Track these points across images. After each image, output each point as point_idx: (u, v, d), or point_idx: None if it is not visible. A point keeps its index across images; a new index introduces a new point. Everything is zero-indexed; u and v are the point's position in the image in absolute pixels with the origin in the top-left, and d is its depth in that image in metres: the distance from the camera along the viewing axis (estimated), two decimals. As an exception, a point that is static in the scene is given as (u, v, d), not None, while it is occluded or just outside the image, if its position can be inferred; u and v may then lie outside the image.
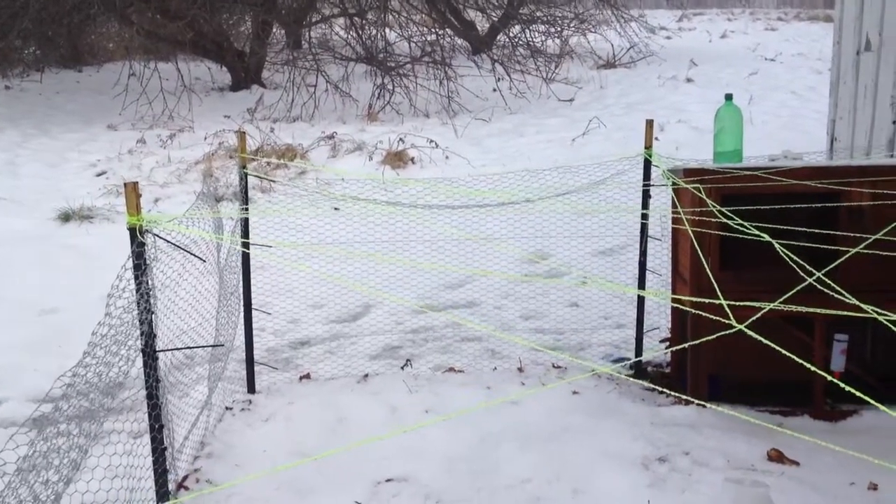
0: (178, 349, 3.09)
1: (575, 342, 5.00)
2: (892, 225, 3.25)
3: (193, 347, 3.22)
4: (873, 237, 2.91)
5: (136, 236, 2.77)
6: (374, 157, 9.27)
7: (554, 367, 4.64)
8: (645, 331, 4.59)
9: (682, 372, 4.22)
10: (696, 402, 3.87)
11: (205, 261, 3.16)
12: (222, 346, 3.67)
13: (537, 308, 5.48)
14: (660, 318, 4.87)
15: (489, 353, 4.88)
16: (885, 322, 1.91)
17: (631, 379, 4.38)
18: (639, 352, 4.58)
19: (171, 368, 3.46)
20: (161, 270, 3.06)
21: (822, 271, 2.61)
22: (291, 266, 4.57)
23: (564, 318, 5.29)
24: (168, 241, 2.84)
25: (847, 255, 2.83)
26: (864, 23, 6.31)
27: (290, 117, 11.61)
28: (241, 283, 4.29)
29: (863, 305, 2.04)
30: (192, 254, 2.96)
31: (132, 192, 2.75)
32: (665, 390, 4.08)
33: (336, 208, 6.37)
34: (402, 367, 4.69)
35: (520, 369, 4.61)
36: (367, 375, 4.56)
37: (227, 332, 3.96)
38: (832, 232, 3.51)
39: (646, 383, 4.28)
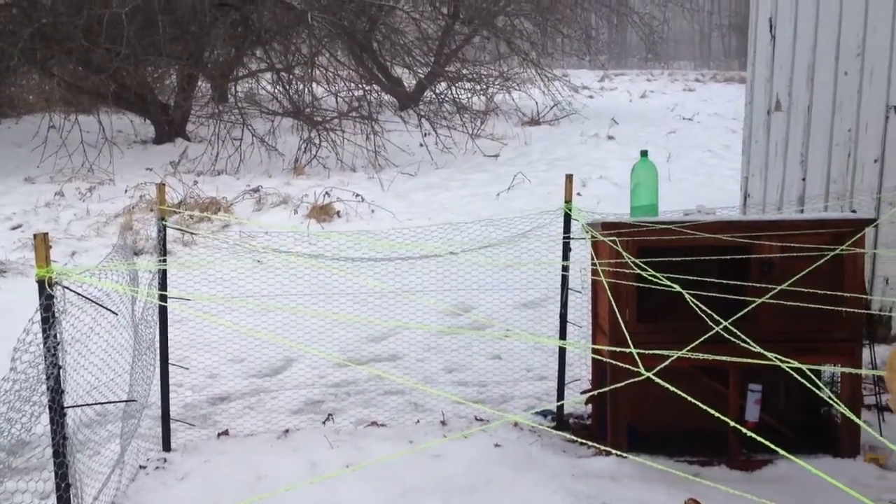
0: (86, 405, 2.99)
1: (497, 395, 5.00)
2: (798, 276, 3.36)
3: (103, 403, 3.13)
4: (779, 287, 3.00)
5: (45, 289, 2.70)
6: (299, 210, 9.24)
7: (476, 419, 4.63)
8: (566, 383, 4.62)
9: (603, 424, 4.25)
10: (616, 453, 3.90)
11: (116, 314, 3.09)
12: (134, 401, 3.57)
13: (460, 361, 5.48)
14: (581, 370, 4.91)
15: (412, 407, 4.85)
16: (787, 369, 1.96)
17: (552, 431, 4.39)
18: (560, 404, 4.60)
19: (81, 426, 3.36)
20: (71, 324, 2.98)
21: (729, 320, 2.67)
22: (211, 320, 4.48)
23: (487, 371, 5.30)
24: (78, 294, 2.77)
25: (752, 306, 2.90)
26: (774, 84, 6.59)
27: (214, 171, 11.53)
28: (157, 337, 4.19)
29: (766, 353, 2.09)
30: (103, 307, 2.89)
31: (41, 243, 2.69)
32: (586, 442, 4.10)
33: (259, 261, 6.30)
34: (324, 422, 4.62)
35: (443, 422, 4.58)
36: (287, 431, 4.48)
37: (142, 388, 3.86)
38: (741, 283, 3.61)
39: (567, 435, 4.29)
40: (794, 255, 3.72)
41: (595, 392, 3.83)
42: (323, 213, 9.12)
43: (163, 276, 4.11)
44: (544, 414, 4.65)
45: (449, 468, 3.96)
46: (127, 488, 3.80)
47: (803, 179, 6.18)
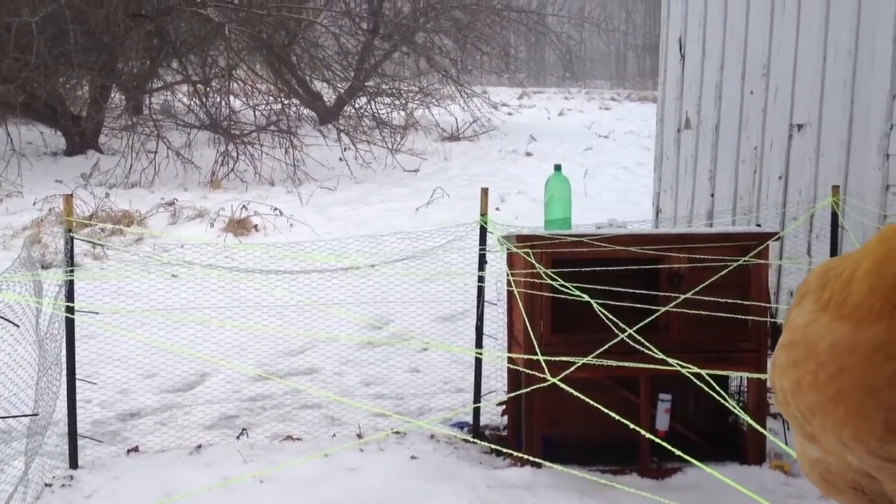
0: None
1: (415, 407, 5.00)
2: (702, 286, 3.45)
3: (3, 417, 3.02)
4: (684, 296, 3.08)
5: (-57, 300, 2.61)
6: (215, 224, 9.11)
7: (393, 432, 4.61)
8: (483, 394, 4.64)
9: (519, 434, 4.29)
10: (532, 459, 3.94)
11: (18, 325, 2.99)
12: (37, 415, 3.46)
13: (378, 374, 5.47)
14: (497, 383, 4.95)
15: (328, 421, 4.81)
16: (688, 374, 2.02)
17: (469, 442, 4.41)
18: (476, 415, 4.62)
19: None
20: (-29, 337, 2.88)
21: (635, 328, 2.74)
22: (122, 334, 4.38)
23: (405, 384, 5.30)
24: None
25: (655, 316, 2.98)
26: (684, 102, 6.78)
27: (127, 183, 11.29)
28: (63, 351, 4.07)
29: (671, 361, 2.15)
30: (4, 318, 2.80)
31: (-61, 252, 2.59)
32: (503, 450, 4.12)
33: (174, 275, 6.19)
34: (238, 437, 4.55)
35: (359, 436, 4.56)
36: (200, 447, 4.40)
37: (47, 404, 3.74)
38: (648, 292, 3.70)
39: (483, 445, 4.31)
40: (702, 265, 3.82)
41: (508, 397, 3.86)
42: (240, 226, 9.01)
43: (69, 288, 4.00)
44: (461, 426, 4.67)
45: (365, 481, 3.95)
46: (31, 508, 3.67)
47: (712, 195, 6.36)
